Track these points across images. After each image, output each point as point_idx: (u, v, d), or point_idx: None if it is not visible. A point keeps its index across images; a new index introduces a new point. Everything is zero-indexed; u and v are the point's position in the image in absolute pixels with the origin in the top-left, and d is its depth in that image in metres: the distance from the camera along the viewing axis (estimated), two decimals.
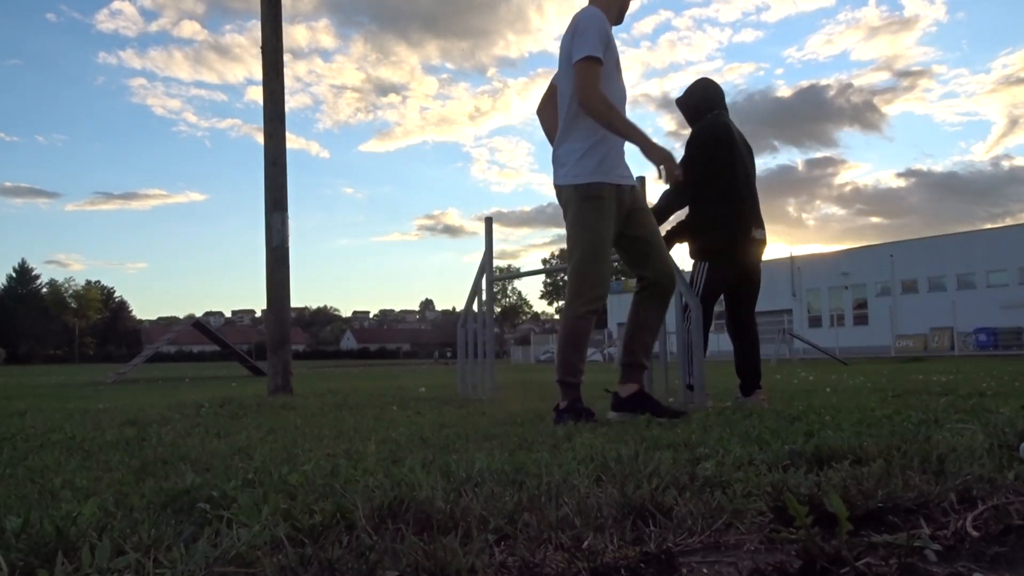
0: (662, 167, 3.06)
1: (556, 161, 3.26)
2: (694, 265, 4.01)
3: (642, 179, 3.91)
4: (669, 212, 4.01)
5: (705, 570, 1.07)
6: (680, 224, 4.05)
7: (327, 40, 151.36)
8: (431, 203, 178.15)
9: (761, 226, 3.99)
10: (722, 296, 4.00)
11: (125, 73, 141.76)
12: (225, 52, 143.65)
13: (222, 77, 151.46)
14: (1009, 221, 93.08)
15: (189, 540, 1.13)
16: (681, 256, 4.42)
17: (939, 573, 1.01)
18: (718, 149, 3.87)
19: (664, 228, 3.98)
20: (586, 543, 1.12)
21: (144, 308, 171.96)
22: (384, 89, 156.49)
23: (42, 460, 2.25)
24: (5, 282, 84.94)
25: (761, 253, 4.06)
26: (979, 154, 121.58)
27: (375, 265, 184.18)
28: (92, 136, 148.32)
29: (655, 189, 9.83)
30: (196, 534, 1.17)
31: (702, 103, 4.04)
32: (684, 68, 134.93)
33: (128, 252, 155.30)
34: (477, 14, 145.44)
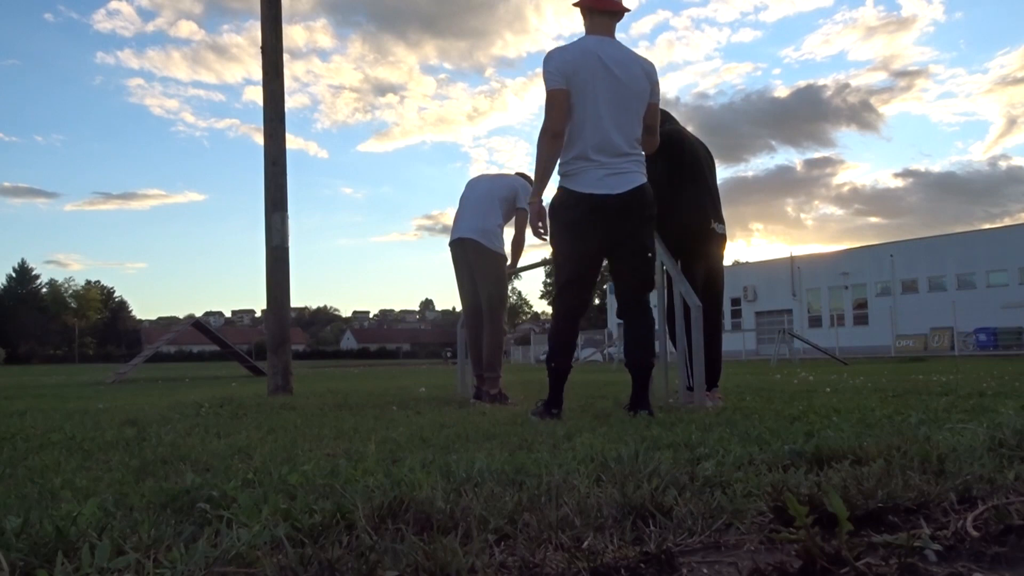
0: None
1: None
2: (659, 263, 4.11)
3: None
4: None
5: (705, 570, 1.07)
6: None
7: (325, 40, 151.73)
8: (430, 203, 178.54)
9: (721, 221, 4.14)
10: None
11: (123, 73, 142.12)
12: (223, 52, 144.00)
13: (220, 77, 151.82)
14: (1008, 221, 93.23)
15: (189, 540, 1.13)
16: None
17: (939, 573, 1.01)
18: (669, 152, 4.02)
19: None
20: (586, 543, 1.12)
21: (144, 308, 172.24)
22: (382, 89, 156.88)
23: (42, 460, 2.25)
24: (5, 282, 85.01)
25: (722, 247, 4.19)
26: (977, 154, 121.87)
27: (375, 265, 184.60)
28: (90, 136, 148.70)
29: None
30: (196, 534, 1.17)
31: None
32: (682, 68, 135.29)
33: (127, 252, 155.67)
34: (475, 14, 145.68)
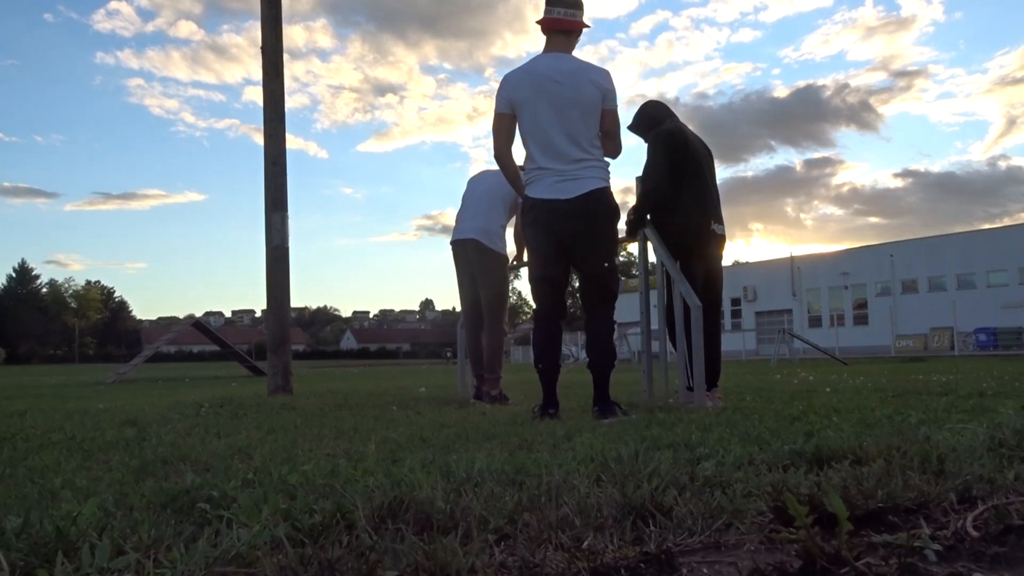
0: None
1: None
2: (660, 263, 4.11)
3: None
4: (646, 208, 4.15)
5: (705, 570, 1.07)
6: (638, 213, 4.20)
7: (324, 40, 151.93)
8: (430, 203, 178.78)
9: (720, 221, 4.17)
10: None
11: (123, 73, 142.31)
12: (223, 52, 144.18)
13: (220, 77, 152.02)
14: (1007, 221, 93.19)
15: (189, 540, 1.13)
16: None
17: (939, 573, 1.01)
18: (673, 151, 4.03)
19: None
20: (586, 543, 1.12)
21: (144, 308, 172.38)
22: (382, 89, 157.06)
23: (42, 460, 2.25)
24: (5, 282, 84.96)
25: (721, 247, 4.23)
26: (976, 154, 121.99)
27: (375, 265, 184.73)
28: (90, 136, 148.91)
29: None
30: (196, 534, 1.17)
31: (651, 120, 4.27)
32: (682, 68, 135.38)
33: (127, 252, 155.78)
34: (475, 14, 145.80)
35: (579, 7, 3.50)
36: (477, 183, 5.05)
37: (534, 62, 3.49)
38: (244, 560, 1.03)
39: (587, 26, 3.52)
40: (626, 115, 3.65)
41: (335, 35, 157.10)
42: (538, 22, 3.52)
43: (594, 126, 3.43)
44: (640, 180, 4.19)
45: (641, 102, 4.44)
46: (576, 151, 3.38)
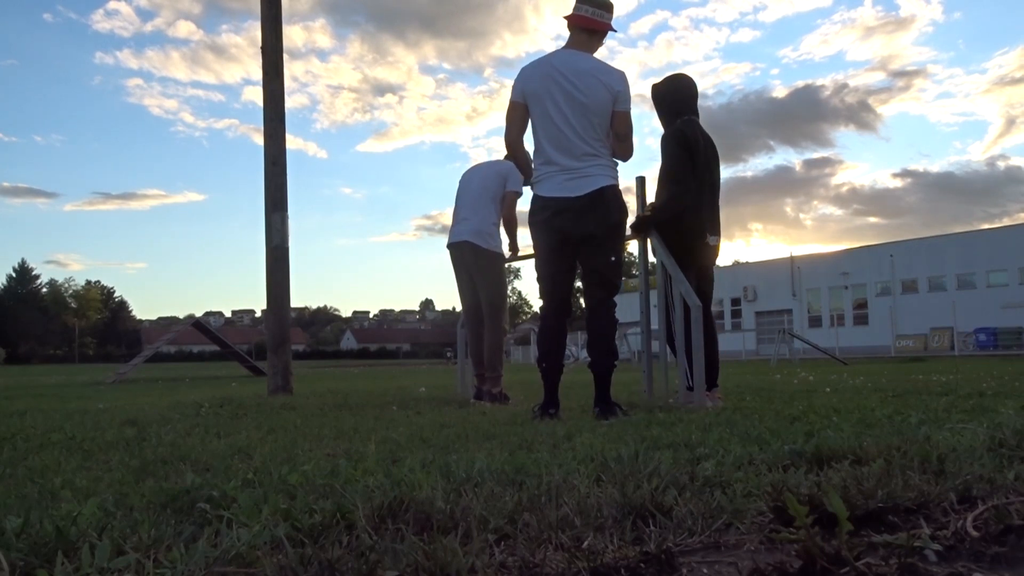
0: None
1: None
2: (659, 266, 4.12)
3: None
4: (668, 211, 4.08)
5: (705, 570, 1.07)
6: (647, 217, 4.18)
7: (324, 40, 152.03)
8: (429, 203, 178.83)
9: (716, 232, 4.19)
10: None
11: (122, 73, 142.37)
12: (222, 52, 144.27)
13: (219, 77, 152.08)
14: (1007, 221, 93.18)
15: (189, 540, 1.13)
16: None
17: (939, 573, 1.01)
18: (681, 156, 4.00)
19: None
20: (586, 543, 1.12)
21: (144, 308, 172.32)
22: (381, 89, 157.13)
23: (42, 460, 2.25)
24: (5, 282, 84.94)
25: (713, 258, 4.26)
26: (975, 154, 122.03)
27: (375, 265, 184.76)
28: (90, 136, 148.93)
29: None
30: (196, 534, 1.17)
31: (676, 103, 4.18)
32: (681, 68, 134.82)
33: (127, 252, 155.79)
34: (474, 14, 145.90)
35: (607, 8, 3.52)
36: (467, 181, 5.05)
37: (551, 56, 3.52)
38: (244, 560, 1.03)
39: (613, 29, 3.54)
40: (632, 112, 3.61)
41: (334, 35, 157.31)
42: (565, 17, 3.55)
43: (603, 126, 3.44)
44: (662, 180, 4.07)
45: (642, 100, 4.39)
46: (584, 147, 3.40)
